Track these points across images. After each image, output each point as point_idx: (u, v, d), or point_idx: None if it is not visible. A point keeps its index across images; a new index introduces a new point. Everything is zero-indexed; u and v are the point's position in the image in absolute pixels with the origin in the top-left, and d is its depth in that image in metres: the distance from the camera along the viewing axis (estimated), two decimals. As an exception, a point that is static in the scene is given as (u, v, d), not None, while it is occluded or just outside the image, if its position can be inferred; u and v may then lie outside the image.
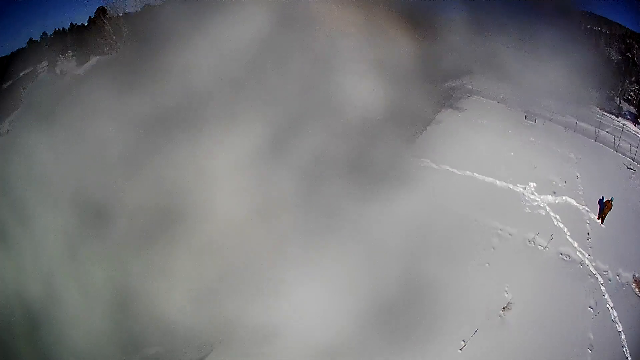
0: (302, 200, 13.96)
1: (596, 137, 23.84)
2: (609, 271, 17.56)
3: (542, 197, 19.00)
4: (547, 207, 18.76)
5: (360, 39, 18.85)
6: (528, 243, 17.73)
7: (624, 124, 25.54)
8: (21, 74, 21.29)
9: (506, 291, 15.72)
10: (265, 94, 15.17)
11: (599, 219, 18.91)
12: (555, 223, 18.41)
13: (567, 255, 17.71)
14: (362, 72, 17.57)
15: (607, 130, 24.36)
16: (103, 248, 12.36)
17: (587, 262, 17.64)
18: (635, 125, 25.88)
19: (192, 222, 13.05)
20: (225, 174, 13.67)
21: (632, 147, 22.83)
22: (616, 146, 23.05)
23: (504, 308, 14.71)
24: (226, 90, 14.79)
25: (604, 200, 18.58)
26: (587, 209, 19.10)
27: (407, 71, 19.72)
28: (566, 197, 19.15)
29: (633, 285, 17.46)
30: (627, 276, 17.65)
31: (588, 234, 18.44)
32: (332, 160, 14.96)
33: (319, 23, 17.84)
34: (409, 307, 12.84)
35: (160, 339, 11.76)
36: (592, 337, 15.28)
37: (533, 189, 19.10)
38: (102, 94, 15.22)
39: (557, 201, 18.97)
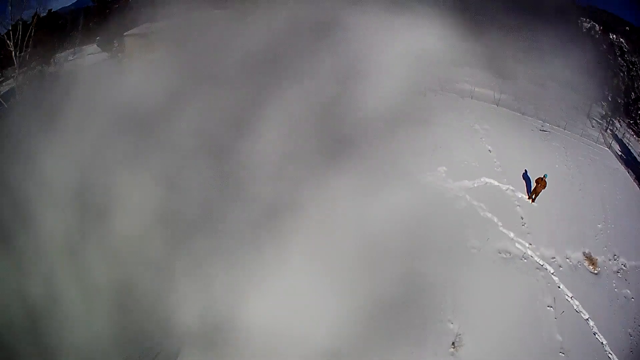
0: (302, 201, 13.72)
1: (498, 102, 20.52)
2: (557, 256, 14.37)
3: (457, 183, 15.35)
4: (467, 196, 15.14)
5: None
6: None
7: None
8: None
9: (450, 321, 12.30)
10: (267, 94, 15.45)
11: (529, 198, 15.66)
12: (482, 214, 14.82)
13: (507, 251, 14.11)
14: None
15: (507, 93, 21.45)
16: (104, 248, 12.41)
17: (529, 252, 14.18)
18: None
19: (192, 222, 13.04)
20: (225, 175, 13.61)
21: (538, 110, 20.22)
22: (523, 110, 20.20)
23: (453, 344, 11.87)
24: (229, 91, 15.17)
25: (536, 178, 15.17)
26: (512, 188, 15.78)
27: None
28: (485, 177, 15.70)
29: (586, 263, 14.56)
30: (577, 256, 14.66)
31: (522, 218, 15.05)
32: (332, 160, 14.56)
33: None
34: (409, 307, 12.19)
35: (160, 339, 11.58)
36: (560, 338, 12.41)
37: (444, 175, 15.40)
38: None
39: (475, 185, 15.44)
